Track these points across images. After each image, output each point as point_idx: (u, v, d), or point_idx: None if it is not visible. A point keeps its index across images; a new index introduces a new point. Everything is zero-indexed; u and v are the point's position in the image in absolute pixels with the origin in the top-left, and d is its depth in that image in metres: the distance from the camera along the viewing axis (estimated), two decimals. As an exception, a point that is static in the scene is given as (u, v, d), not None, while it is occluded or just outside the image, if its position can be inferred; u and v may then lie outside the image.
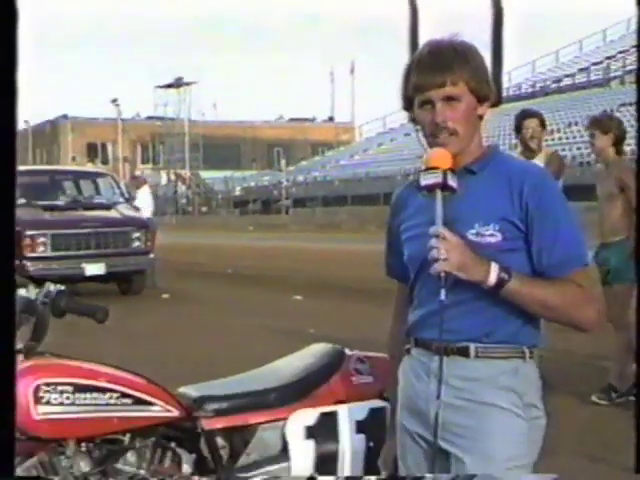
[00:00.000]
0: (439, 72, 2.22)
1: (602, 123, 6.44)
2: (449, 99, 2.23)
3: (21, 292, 2.47)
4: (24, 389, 2.44)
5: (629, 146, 8.84)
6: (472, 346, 2.24)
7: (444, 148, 2.22)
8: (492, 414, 2.23)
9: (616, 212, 6.31)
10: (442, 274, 2.12)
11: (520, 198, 2.21)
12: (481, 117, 2.31)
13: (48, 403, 2.45)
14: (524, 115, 6.91)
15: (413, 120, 2.32)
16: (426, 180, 2.18)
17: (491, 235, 2.20)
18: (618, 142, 6.36)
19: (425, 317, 2.29)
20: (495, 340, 2.24)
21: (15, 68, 1.96)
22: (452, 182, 2.17)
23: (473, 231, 2.21)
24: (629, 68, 41.85)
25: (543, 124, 6.99)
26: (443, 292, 2.14)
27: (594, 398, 6.37)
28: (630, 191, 6.19)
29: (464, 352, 2.25)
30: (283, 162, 52.81)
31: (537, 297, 2.19)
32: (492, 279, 2.14)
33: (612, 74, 44.02)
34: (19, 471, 2.50)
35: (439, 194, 2.17)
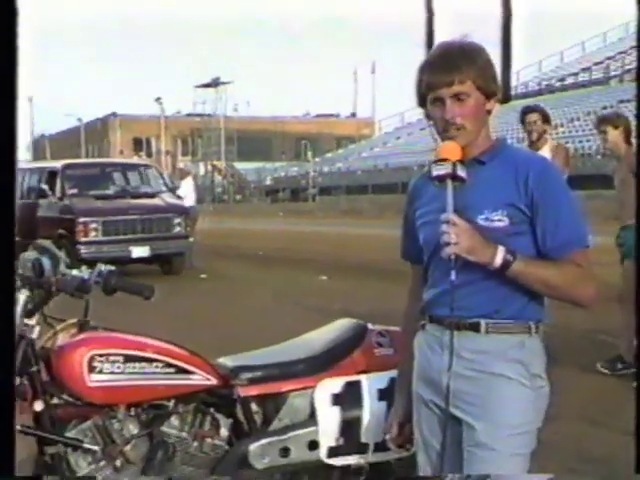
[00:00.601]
0: (448, 72, 2.21)
1: (612, 120, 6.50)
2: (458, 96, 2.22)
3: (75, 272, 2.49)
4: (79, 359, 2.45)
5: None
6: (483, 322, 2.24)
7: (455, 140, 2.22)
8: (500, 384, 2.23)
9: (631, 197, 6.28)
10: (452, 257, 2.13)
11: (526, 186, 2.20)
12: (489, 112, 2.30)
13: (101, 372, 2.46)
14: (526, 110, 6.92)
15: (428, 116, 2.31)
16: (437, 171, 2.20)
17: (499, 220, 2.20)
18: (628, 134, 6.41)
19: (438, 296, 2.29)
20: (503, 316, 2.24)
21: (15, 68, 1.84)
22: (461, 172, 2.18)
23: (482, 216, 2.21)
24: (627, 67, 41.54)
25: (545, 118, 6.95)
26: (453, 273, 2.15)
27: (598, 366, 6.35)
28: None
29: (475, 327, 2.24)
30: (310, 154, 52.69)
31: (540, 277, 2.19)
32: (498, 261, 2.14)
33: (612, 73, 43.63)
34: (75, 433, 2.53)
35: (450, 184, 2.18)
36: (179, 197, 14.96)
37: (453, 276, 2.15)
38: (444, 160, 2.19)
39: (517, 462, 2.25)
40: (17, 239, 1.98)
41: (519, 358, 2.24)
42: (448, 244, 2.12)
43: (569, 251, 2.21)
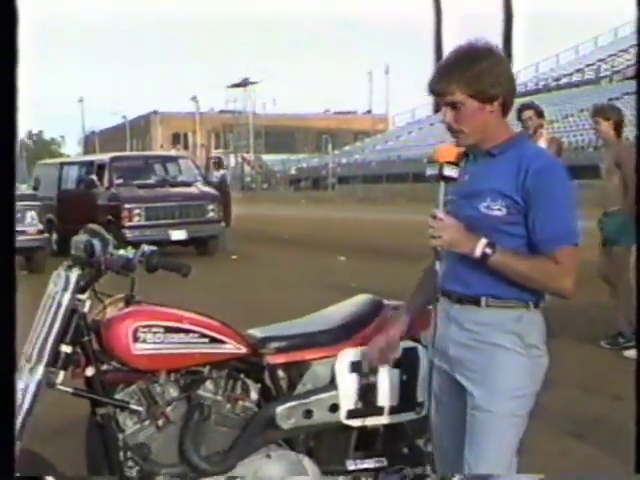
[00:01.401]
0: (438, 83, 2.21)
1: (604, 111, 6.40)
2: (452, 104, 2.19)
3: (121, 252, 2.49)
4: (125, 330, 2.46)
5: (631, 133, 8.72)
6: (483, 298, 2.23)
7: (456, 142, 2.23)
8: (498, 353, 2.22)
9: (613, 186, 6.23)
10: (438, 248, 2.17)
11: (524, 179, 2.17)
12: (505, 112, 2.25)
13: (144, 341, 2.47)
14: (522, 108, 6.83)
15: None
16: (429, 171, 2.22)
17: (498, 209, 2.18)
18: (618, 126, 6.32)
19: (447, 272, 2.28)
20: (503, 294, 2.22)
21: (15, 68, 1.72)
22: (448, 172, 2.18)
23: (485, 204, 2.19)
24: (616, 69, 41.42)
25: (539, 114, 6.88)
26: (437, 264, 2.22)
27: (602, 343, 6.31)
28: (626, 167, 6.14)
29: (477, 302, 2.24)
30: (330, 147, 52.43)
31: (517, 270, 2.16)
32: (477, 253, 2.15)
33: (602, 74, 43.23)
34: (122, 395, 2.54)
35: (441, 183, 2.20)
36: (211, 185, 14.98)
37: (437, 266, 2.21)
38: (436, 161, 2.19)
39: (513, 422, 2.24)
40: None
41: (516, 330, 2.22)
42: (434, 237, 2.15)
43: (555, 246, 2.16)
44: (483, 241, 2.15)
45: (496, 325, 2.22)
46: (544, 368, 2.29)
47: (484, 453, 2.22)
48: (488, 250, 2.15)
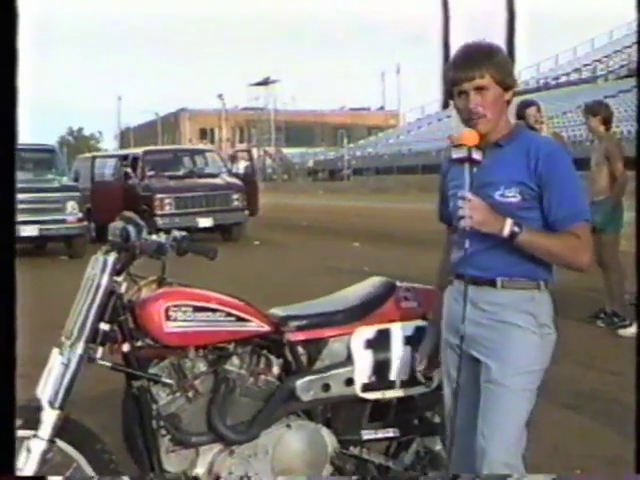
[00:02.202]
0: (469, 68, 2.18)
1: (592, 108, 6.43)
2: (479, 89, 2.18)
3: (154, 238, 2.49)
4: (157, 310, 2.46)
5: (625, 127, 8.65)
6: (499, 279, 2.22)
7: (476, 128, 2.20)
8: (513, 331, 2.21)
9: (602, 176, 6.20)
10: (467, 228, 2.13)
11: (536, 166, 2.17)
12: (509, 102, 2.26)
13: (175, 320, 2.47)
14: (525, 105, 6.64)
15: (458, 109, 2.26)
16: (456, 154, 2.19)
17: (513, 196, 2.18)
18: (606, 122, 6.31)
19: (462, 257, 2.26)
20: (516, 275, 2.22)
21: (15, 68, 1.62)
22: (476, 156, 2.17)
23: (499, 192, 2.18)
24: (611, 69, 41.26)
25: (539, 109, 6.83)
26: (467, 242, 2.17)
27: (599, 323, 6.31)
28: (614, 160, 6.13)
29: (492, 284, 2.23)
30: (345, 141, 52.30)
31: (542, 245, 2.16)
32: (506, 232, 2.12)
33: (598, 73, 43.02)
34: (155, 370, 2.54)
35: (467, 165, 2.17)
36: (237, 176, 14.99)
37: (467, 244, 2.17)
38: (462, 145, 2.17)
39: (524, 396, 2.23)
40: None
41: (529, 310, 2.21)
42: (463, 217, 2.12)
43: (570, 223, 2.17)
44: (510, 220, 2.14)
45: (511, 305, 2.21)
46: (552, 345, 2.28)
47: (498, 425, 2.20)
48: (516, 228, 2.13)
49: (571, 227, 2.17)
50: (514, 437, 2.22)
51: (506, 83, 2.22)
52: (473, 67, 2.18)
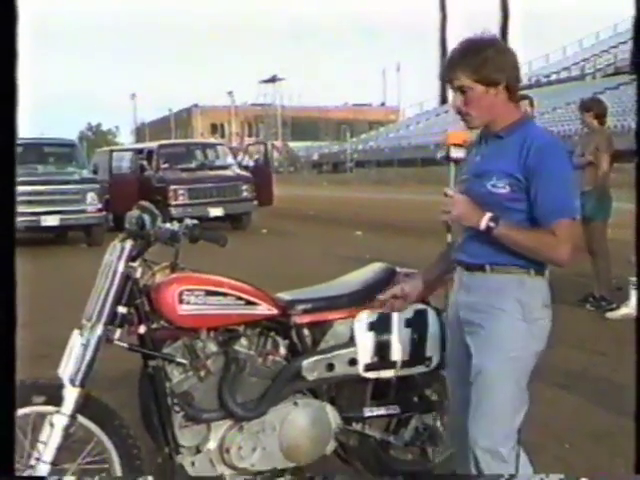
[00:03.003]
0: (446, 70, 2.18)
1: (585, 104, 6.45)
2: (460, 89, 2.15)
3: (168, 226, 2.48)
4: (171, 294, 2.46)
5: (611, 122, 8.63)
6: (488, 266, 2.19)
7: (465, 125, 2.20)
8: (497, 315, 2.17)
9: (591, 168, 6.19)
10: (450, 222, 2.17)
11: (526, 158, 2.11)
12: (510, 95, 2.18)
13: (188, 303, 2.47)
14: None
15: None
16: (439, 154, 2.25)
17: (503, 187, 2.13)
18: (599, 116, 6.29)
19: (459, 244, 2.26)
20: (505, 262, 2.18)
21: (15, 68, 1.57)
22: (455, 154, 2.18)
23: (491, 183, 2.15)
24: (599, 67, 40.97)
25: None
26: (449, 236, 2.21)
27: (588, 306, 6.32)
28: (600, 151, 6.16)
29: (482, 269, 2.20)
30: (348, 135, 52.13)
31: (517, 240, 2.11)
32: (482, 226, 2.11)
33: (587, 71, 42.84)
34: (169, 350, 2.54)
35: (451, 164, 2.20)
36: (246, 168, 14.96)
37: (449, 238, 2.20)
38: (446, 145, 2.20)
39: (508, 381, 2.16)
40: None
41: (518, 296, 2.17)
42: (444, 212, 2.14)
43: (553, 219, 2.10)
44: (488, 215, 2.11)
45: (500, 290, 2.17)
46: (546, 330, 2.21)
47: (481, 409, 2.17)
48: (492, 223, 2.11)
49: (553, 223, 2.10)
50: (498, 423, 2.15)
51: (490, 80, 2.13)
52: (449, 69, 2.16)
